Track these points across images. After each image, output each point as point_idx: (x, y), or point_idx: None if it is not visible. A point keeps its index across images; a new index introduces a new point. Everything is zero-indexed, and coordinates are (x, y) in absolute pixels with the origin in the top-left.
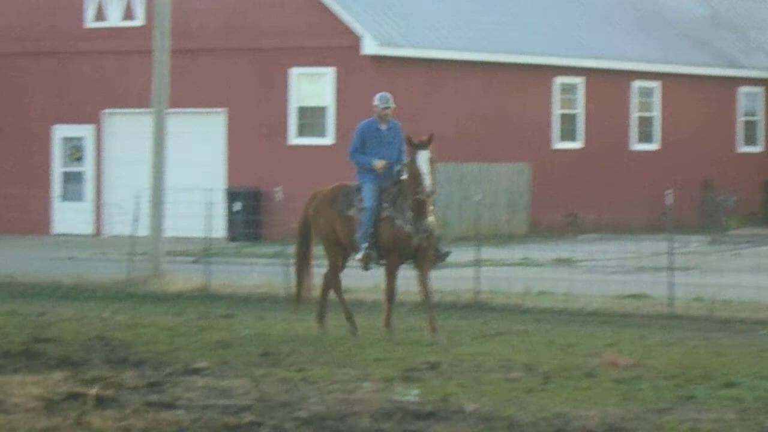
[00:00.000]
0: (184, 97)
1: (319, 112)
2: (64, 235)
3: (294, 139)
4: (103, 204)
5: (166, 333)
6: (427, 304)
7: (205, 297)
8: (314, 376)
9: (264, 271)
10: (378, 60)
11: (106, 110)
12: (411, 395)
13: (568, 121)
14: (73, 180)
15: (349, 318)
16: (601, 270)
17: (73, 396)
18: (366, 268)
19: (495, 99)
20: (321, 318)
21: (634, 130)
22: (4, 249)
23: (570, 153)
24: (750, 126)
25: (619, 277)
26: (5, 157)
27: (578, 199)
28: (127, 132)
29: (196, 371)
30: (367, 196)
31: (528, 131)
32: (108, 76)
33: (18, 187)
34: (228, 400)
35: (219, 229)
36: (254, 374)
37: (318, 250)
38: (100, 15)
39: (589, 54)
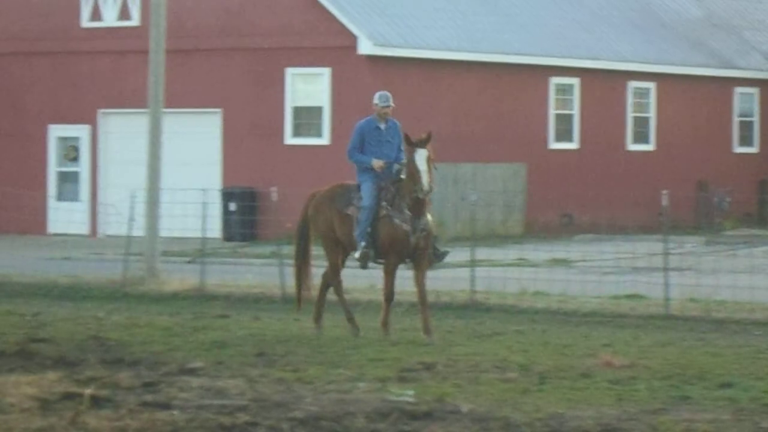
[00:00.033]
0: (180, 97)
1: (314, 112)
2: (59, 235)
3: (290, 140)
4: (98, 204)
5: (162, 333)
6: (422, 305)
7: (201, 297)
8: (309, 377)
9: (259, 272)
10: (374, 60)
11: (102, 110)
12: (406, 395)
13: (564, 121)
14: (68, 180)
15: (351, 319)
16: (597, 270)
17: (68, 396)
18: (364, 266)
19: (490, 99)
20: (318, 318)
21: (629, 131)
22: None
23: (566, 153)
24: (745, 127)
25: (614, 277)
26: (1, 157)
27: (574, 200)
28: (122, 132)
29: (191, 371)
30: (366, 194)
31: (524, 131)
32: (104, 76)
33: (14, 186)
34: (223, 400)
35: (214, 229)
36: (249, 374)
37: (317, 250)
38: (95, 15)
39: (585, 55)
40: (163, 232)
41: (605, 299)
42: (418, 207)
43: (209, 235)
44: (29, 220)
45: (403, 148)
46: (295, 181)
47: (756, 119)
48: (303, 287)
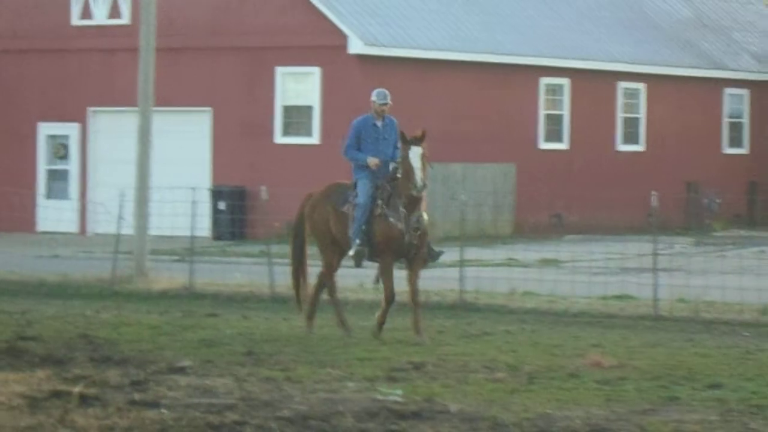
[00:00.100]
0: (170, 96)
1: (304, 111)
2: (48, 233)
3: (279, 139)
4: (87, 202)
5: (150, 332)
6: (414, 304)
7: (190, 296)
8: (298, 376)
9: (248, 271)
10: (364, 60)
11: (92, 108)
12: (395, 395)
13: (554, 121)
14: (58, 178)
15: (343, 323)
16: (586, 271)
17: (56, 394)
18: (358, 264)
19: (481, 99)
20: (311, 316)
21: (619, 131)
22: None
23: (555, 154)
24: (735, 128)
25: (603, 278)
26: None
27: (563, 200)
28: (112, 130)
29: (179, 370)
30: (362, 192)
31: (513, 132)
32: (93, 74)
33: (3, 184)
34: (211, 399)
35: (204, 227)
36: (238, 373)
37: (312, 250)
38: (86, 13)
39: (575, 55)
40: (153, 231)
41: (594, 300)
42: (413, 205)
43: (198, 233)
44: (18, 218)
45: (399, 145)
46: (284, 181)
47: (746, 120)
48: (301, 287)
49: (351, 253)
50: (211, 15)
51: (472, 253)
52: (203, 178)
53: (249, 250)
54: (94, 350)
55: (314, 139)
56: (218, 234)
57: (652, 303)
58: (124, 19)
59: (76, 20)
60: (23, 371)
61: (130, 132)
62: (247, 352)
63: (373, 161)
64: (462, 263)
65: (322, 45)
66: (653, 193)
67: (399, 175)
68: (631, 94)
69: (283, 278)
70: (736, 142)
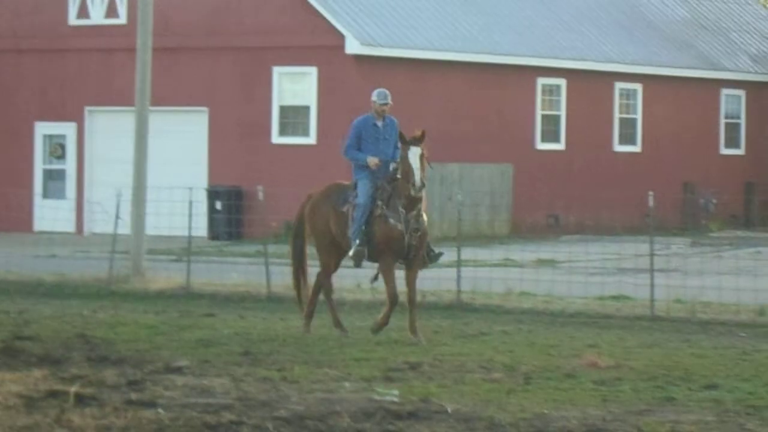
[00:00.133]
0: (167, 96)
1: (301, 111)
2: (45, 232)
3: (276, 139)
4: (84, 202)
5: (147, 331)
6: (411, 305)
7: (186, 296)
8: (295, 376)
9: (245, 270)
10: (361, 60)
11: (89, 108)
12: (391, 395)
13: (551, 122)
14: (55, 177)
15: (338, 324)
16: (583, 271)
17: (53, 394)
18: (358, 265)
19: (477, 100)
20: (309, 316)
21: (616, 132)
22: None
23: (552, 154)
24: (732, 128)
25: (600, 278)
26: None
27: (560, 201)
28: (109, 130)
29: (176, 370)
30: (362, 192)
31: (510, 132)
32: (90, 73)
33: (0, 184)
34: (208, 398)
35: (200, 227)
36: (235, 373)
37: (313, 251)
38: (83, 13)
39: (572, 55)
40: (149, 231)
41: (591, 300)
42: (413, 205)
43: (195, 233)
44: (15, 218)
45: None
46: (281, 181)
47: (742, 121)
48: (303, 288)
49: (350, 253)
50: (207, 15)
51: (469, 253)
52: (200, 177)
53: (246, 250)
54: (91, 350)
55: (311, 139)
56: (215, 234)
57: (648, 303)
58: (121, 19)
59: (73, 20)
60: (20, 371)
61: (127, 132)
62: (244, 352)
63: (372, 161)
64: (459, 263)
65: (319, 45)
66: (650, 193)
67: (399, 176)
68: (628, 95)
69: (280, 278)
70: (733, 142)
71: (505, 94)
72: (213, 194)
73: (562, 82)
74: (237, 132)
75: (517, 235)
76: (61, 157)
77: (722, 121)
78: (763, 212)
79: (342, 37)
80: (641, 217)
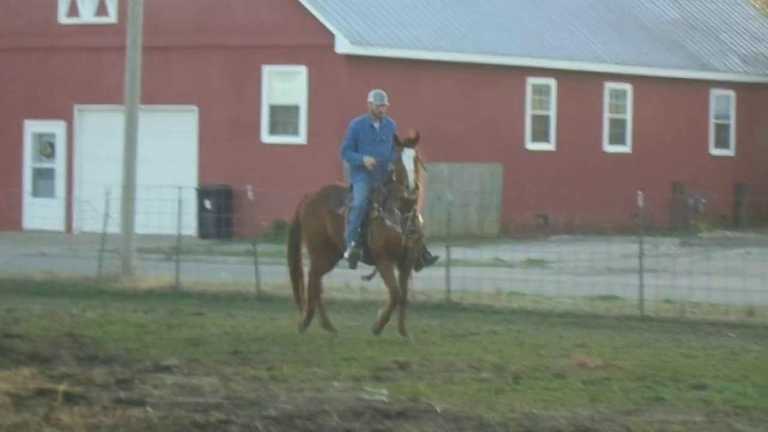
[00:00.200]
0: (157, 94)
1: (291, 110)
2: (35, 231)
3: (266, 138)
4: (74, 200)
5: (136, 330)
6: (401, 305)
7: (176, 294)
8: (284, 375)
9: (234, 269)
10: (351, 59)
11: (78, 106)
12: (380, 395)
13: (541, 122)
14: (44, 176)
15: (327, 325)
16: (572, 271)
17: (41, 392)
18: (353, 266)
19: (467, 99)
20: (308, 317)
21: (605, 132)
22: None
23: (542, 154)
24: (721, 129)
25: (589, 278)
26: None
27: (550, 201)
28: (98, 128)
29: (165, 369)
30: (358, 194)
31: (500, 132)
32: (80, 72)
33: None
34: (197, 397)
35: (190, 226)
36: (224, 372)
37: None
38: (73, 11)
39: (562, 55)
40: (139, 229)
41: (580, 300)
42: (408, 207)
43: (185, 232)
44: (4, 216)
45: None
46: (271, 180)
47: (732, 122)
48: (300, 290)
49: (346, 255)
50: (197, 13)
51: (459, 253)
52: (189, 176)
53: (235, 249)
54: (79, 348)
55: (301, 138)
56: (204, 233)
57: (637, 303)
58: (111, 18)
59: (63, 18)
60: (9, 369)
61: (116, 130)
62: (233, 351)
63: (369, 160)
64: (448, 263)
65: (309, 44)
66: (639, 193)
67: (394, 178)
68: (618, 95)
69: (269, 277)
70: (722, 143)
71: (495, 93)
72: (202, 193)
73: (551, 82)
74: (227, 131)
75: (507, 234)
76: (51, 155)
77: (712, 121)
78: (752, 213)
79: (332, 36)
80: (630, 217)
